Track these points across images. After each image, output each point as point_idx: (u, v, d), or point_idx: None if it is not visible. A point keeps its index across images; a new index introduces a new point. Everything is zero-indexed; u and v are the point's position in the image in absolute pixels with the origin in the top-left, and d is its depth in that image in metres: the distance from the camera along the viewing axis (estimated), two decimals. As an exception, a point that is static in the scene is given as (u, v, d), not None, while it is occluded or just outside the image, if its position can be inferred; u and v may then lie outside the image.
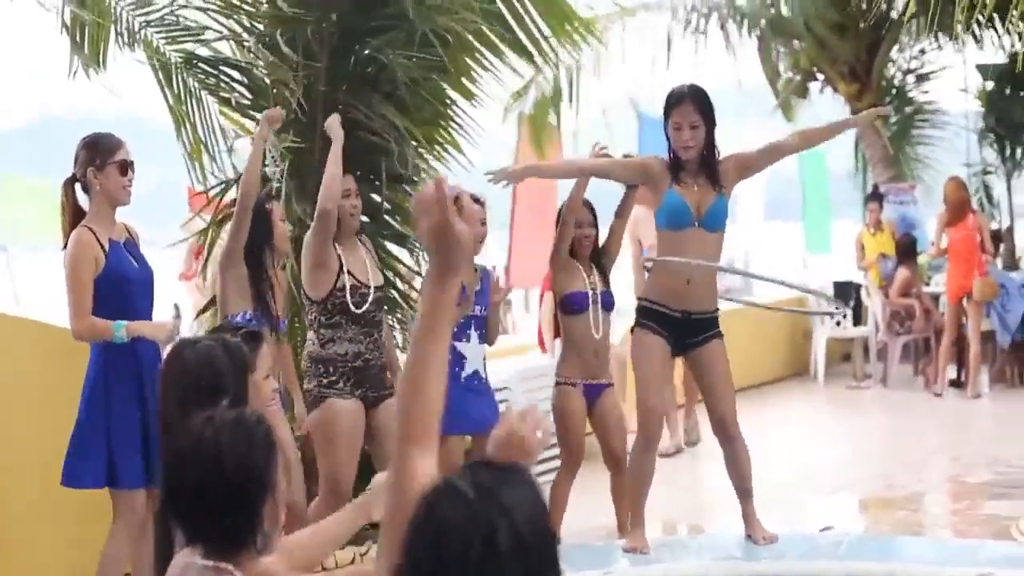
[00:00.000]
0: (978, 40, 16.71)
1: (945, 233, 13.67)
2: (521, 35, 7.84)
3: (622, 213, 7.37)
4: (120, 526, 5.95)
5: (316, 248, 6.55)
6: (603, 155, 6.82)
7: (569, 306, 7.11)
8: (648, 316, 6.37)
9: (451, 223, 2.60)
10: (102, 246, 5.91)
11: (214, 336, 4.18)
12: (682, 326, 6.33)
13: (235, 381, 3.83)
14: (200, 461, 3.08)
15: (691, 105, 6.28)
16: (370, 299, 6.72)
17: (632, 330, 6.58)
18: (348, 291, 6.63)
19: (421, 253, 7.60)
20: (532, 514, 2.23)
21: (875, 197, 15.71)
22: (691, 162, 6.33)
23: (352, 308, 6.64)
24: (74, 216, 6.01)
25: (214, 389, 3.78)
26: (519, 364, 9.93)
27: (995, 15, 13.17)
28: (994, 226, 16.58)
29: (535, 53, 7.95)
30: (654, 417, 6.41)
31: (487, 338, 7.22)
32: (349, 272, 6.67)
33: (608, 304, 7.19)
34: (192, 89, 7.47)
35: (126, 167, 6.00)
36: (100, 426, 5.88)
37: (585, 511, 7.65)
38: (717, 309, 6.44)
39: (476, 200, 7.14)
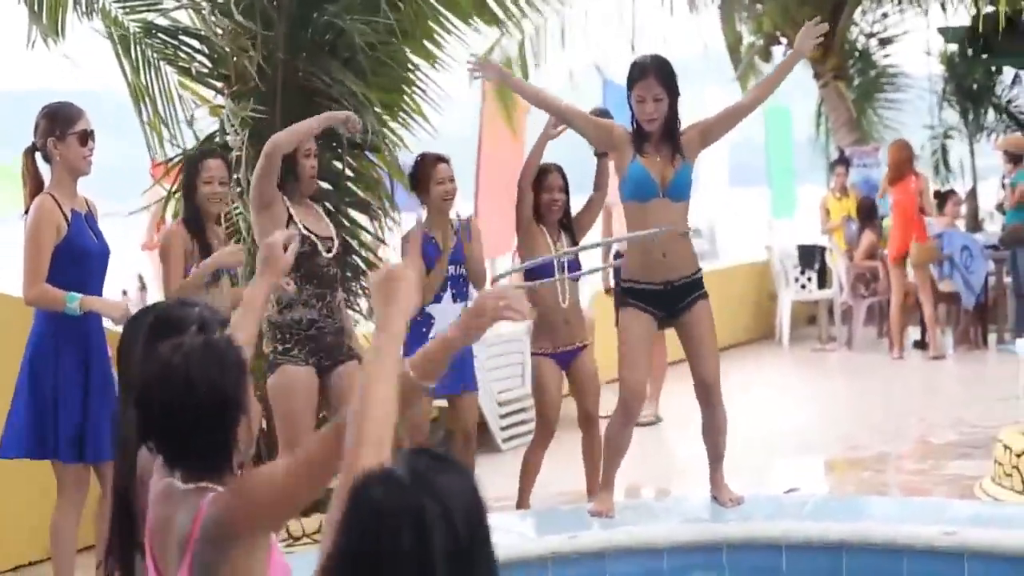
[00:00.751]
0: (942, 4, 16.76)
1: (888, 193, 13.74)
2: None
3: (600, 185, 7.37)
4: (63, 499, 5.94)
5: (257, 188, 6.45)
6: (558, 134, 6.87)
7: (534, 275, 7.08)
8: (632, 295, 6.37)
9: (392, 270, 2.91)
10: (65, 215, 5.87)
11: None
12: (667, 296, 6.33)
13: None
14: (171, 386, 3.07)
15: (654, 77, 6.25)
16: (320, 247, 6.66)
17: (618, 310, 6.57)
18: (316, 246, 6.59)
19: (383, 219, 7.56)
20: (466, 502, 2.24)
21: (842, 161, 15.76)
22: (654, 134, 6.31)
23: (306, 261, 6.55)
24: (35, 185, 5.96)
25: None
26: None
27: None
28: (958, 188, 16.67)
29: (500, 14, 7.90)
30: (636, 395, 6.41)
31: (477, 285, 7.24)
32: (298, 222, 6.59)
33: (575, 271, 7.20)
34: (151, 59, 7.40)
35: (86, 137, 5.95)
36: (44, 398, 5.85)
37: (554, 476, 7.67)
38: (699, 270, 6.43)
39: (442, 159, 7.16)
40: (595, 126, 6.50)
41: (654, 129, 6.30)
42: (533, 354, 7.33)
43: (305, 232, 6.54)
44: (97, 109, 7.33)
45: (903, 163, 13.57)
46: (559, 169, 7.29)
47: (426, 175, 7.11)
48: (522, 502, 7.24)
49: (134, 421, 3.60)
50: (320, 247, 6.62)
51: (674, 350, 6.68)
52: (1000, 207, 14.78)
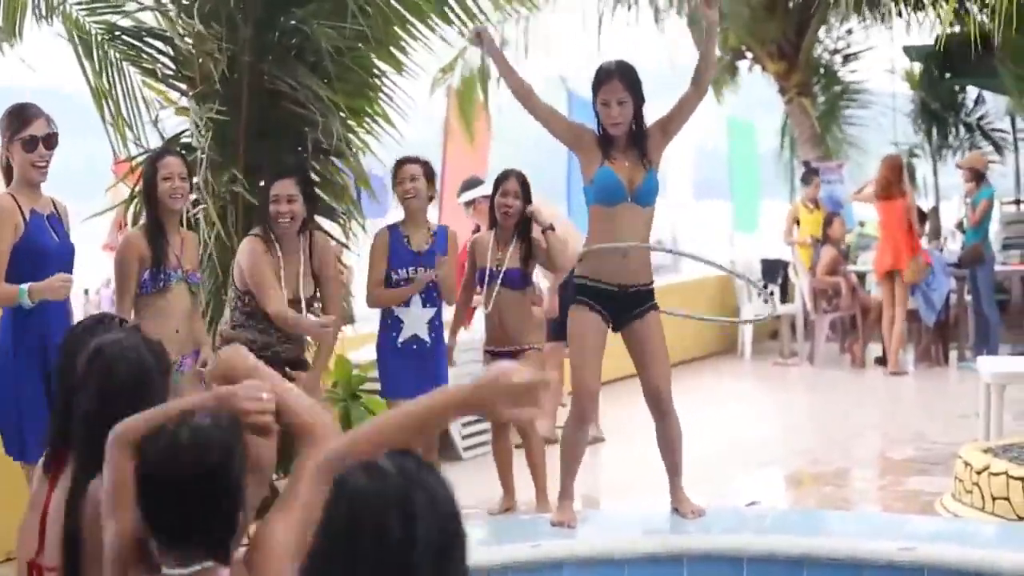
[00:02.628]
0: (904, 19, 16.84)
1: (875, 206, 13.75)
2: (452, 2, 7.76)
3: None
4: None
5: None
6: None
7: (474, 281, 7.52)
8: (584, 292, 6.34)
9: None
10: (23, 214, 5.80)
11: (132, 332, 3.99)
12: (618, 300, 6.30)
13: (161, 379, 3.69)
14: (180, 464, 2.96)
15: (618, 81, 6.25)
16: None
17: (570, 308, 6.56)
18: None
19: (349, 224, 7.53)
20: (446, 497, 2.25)
21: (815, 172, 15.60)
22: (620, 138, 6.31)
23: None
24: (5, 182, 5.90)
25: (142, 390, 3.63)
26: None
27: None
28: (921, 206, 16.72)
29: (464, 22, 7.88)
30: (588, 395, 6.39)
31: (444, 296, 7.25)
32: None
33: (514, 282, 7.38)
34: (113, 60, 7.34)
35: (36, 142, 5.81)
36: (9, 397, 5.79)
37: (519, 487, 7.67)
38: (652, 282, 6.42)
39: (409, 160, 7.19)
40: (567, 127, 6.50)
41: (619, 133, 6.30)
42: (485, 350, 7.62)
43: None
44: (61, 108, 7.28)
45: (896, 181, 13.59)
46: (519, 176, 7.35)
47: (394, 176, 7.18)
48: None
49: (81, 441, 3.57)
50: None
51: (625, 365, 6.64)
52: (960, 226, 14.85)
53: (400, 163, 7.24)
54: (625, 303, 6.32)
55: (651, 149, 6.34)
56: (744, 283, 14.59)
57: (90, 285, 20.12)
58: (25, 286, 5.69)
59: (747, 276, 6.87)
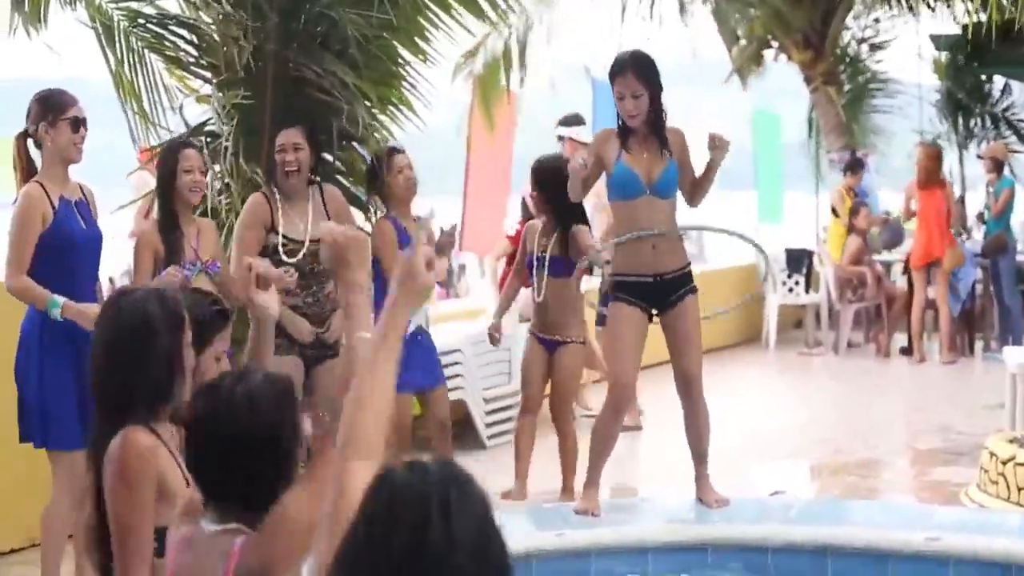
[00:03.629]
0: (932, 8, 16.74)
1: (915, 198, 13.67)
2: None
3: None
4: (59, 488, 5.86)
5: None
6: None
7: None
8: (622, 289, 6.35)
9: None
10: (52, 203, 5.82)
11: (153, 288, 4.08)
12: (657, 289, 6.31)
13: (168, 331, 3.73)
14: (231, 419, 3.06)
15: (632, 73, 6.22)
16: (303, 252, 6.65)
17: (609, 303, 6.55)
18: (277, 248, 6.60)
19: (374, 211, 7.52)
20: (485, 502, 2.25)
21: (857, 164, 15.44)
22: (638, 130, 6.29)
23: (285, 259, 6.57)
24: (27, 172, 5.91)
25: (143, 337, 3.69)
26: (471, 328, 9.88)
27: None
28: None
29: (488, 9, 7.86)
30: (625, 388, 6.41)
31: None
32: (278, 231, 6.64)
33: (557, 270, 7.33)
34: (136, 48, 7.33)
35: (78, 124, 5.89)
36: (32, 384, 5.80)
37: (536, 473, 7.66)
38: (688, 263, 6.42)
39: (397, 149, 7.20)
40: (596, 165, 6.42)
41: (637, 125, 6.29)
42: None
43: (284, 241, 6.62)
44: (84, 96, 7.28)
45: (935, 170, 13.52)
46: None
47: (383, 168, 7.12)
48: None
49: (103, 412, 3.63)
50: (302, 250, 6.64)
51: (657, 350, 6.64)
52: (981, 216, 14.76)
53: (390, 152, 7.17)
54: (663, 290, 6.32)
55: (671, 144, 6.33)
56: (764, 263, 14.57)
57: (115, 272, 20.23)
58: (60, 300, 5.70)
59: (755, 242, 6.84)
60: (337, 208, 6.84)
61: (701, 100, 19.07)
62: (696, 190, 6.47)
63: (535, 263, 7.51)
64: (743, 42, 18.31)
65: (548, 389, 7.74)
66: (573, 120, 10.25)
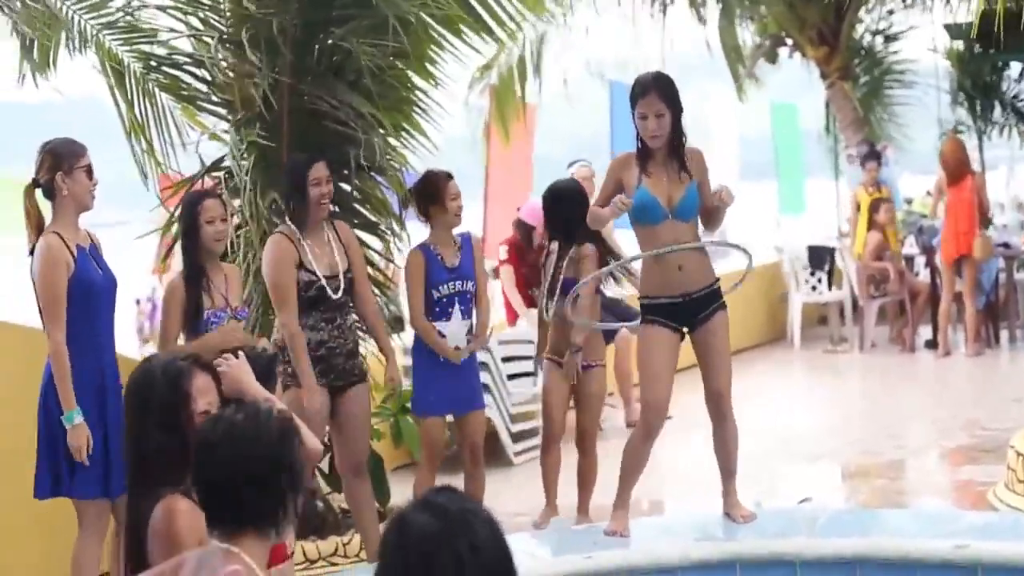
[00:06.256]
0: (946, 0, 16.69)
1: (945, 193, 13.62)
2: (483, 12, 7.76)
3: None
4: (85, 535, 5.95)
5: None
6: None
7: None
8: (651, 311, 6.36)
9: None
10: (71, 251, 5.89)
11: (172, 355, 4.29)
12: (686, 308, 6.33)
13: (168, 392, 3.95)
14: (235, 444, 3.24)
15: (656, 94, 6.24)
16: (328, 289, 6.72)
17: (640, 327, 6.57)
18: (304, 287, 6.65)
19: (392, 240, 7.58)
20: (499, 534, 2.38)
21: (873, 155, 15.33)
22: (659, 151, 6.31)
23: (332, 296, 6.67)
24: (37, 222, 5.97)
25: (143, 402, 3.92)
26: (496, 342, 9.89)
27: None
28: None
29: (497, 30, 7.89)
30: (659, 411, 6.40)
31: (477, 301, 7.29)
32: (305, 267, 6.68)
33: (568, 291, 7.25)
34: (149, 89, 7.38)
35: (92, 171, 5.98)
36: (55, 436, 5.87)
37: (562, 492, 7.69)
38: (717, 280, 6.43)
39: (450, 176, 7.21)
40: (615, 190, 6.45)
41: (659, 146, 6.29)
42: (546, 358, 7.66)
43: (312, 279, 6.63)
44: (102, 116, 7.35)
45: (962, 163, 13.48)
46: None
47: (440, 192, 7.16)
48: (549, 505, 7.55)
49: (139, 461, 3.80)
50: (328, 289, 6.69)
51: (684, 358, 6.68)
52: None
53: (445, 178, 7.17)
54: (692, 309, 6.34)
55: (691, 165, 6.34)
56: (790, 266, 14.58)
57: (140, 294, 20.42)
58: (77, 419, 5.77)
59: (739, 247, 6.83)
60: (347, 238, 6.92)
61: (719, 92, 18.97)
62: (709, 220, 6.49)
63: (546, 285, 7.54)
64: (756, 39, 18.31)
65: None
66: (579, 160, 10.49)
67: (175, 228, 7.31)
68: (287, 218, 6.75)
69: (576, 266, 7.42)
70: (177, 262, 6.87)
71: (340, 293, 6.74)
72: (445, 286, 7.18)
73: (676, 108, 6.27)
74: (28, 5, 6.95)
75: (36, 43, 7.28)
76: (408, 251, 7.35)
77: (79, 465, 5.84)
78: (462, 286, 7.26)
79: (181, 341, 6.38)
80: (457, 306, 7.22)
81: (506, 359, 10.01)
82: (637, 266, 6.64)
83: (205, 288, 6.38)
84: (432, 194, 7.17)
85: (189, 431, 3.83)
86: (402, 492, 8.02)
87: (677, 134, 6.30)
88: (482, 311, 7.37)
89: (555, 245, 7.63)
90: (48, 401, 5.90)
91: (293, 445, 3.27)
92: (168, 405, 3.94)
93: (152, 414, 3.93)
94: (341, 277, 6.75)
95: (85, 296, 5.89)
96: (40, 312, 5.91)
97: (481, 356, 9.33)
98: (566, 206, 7.51)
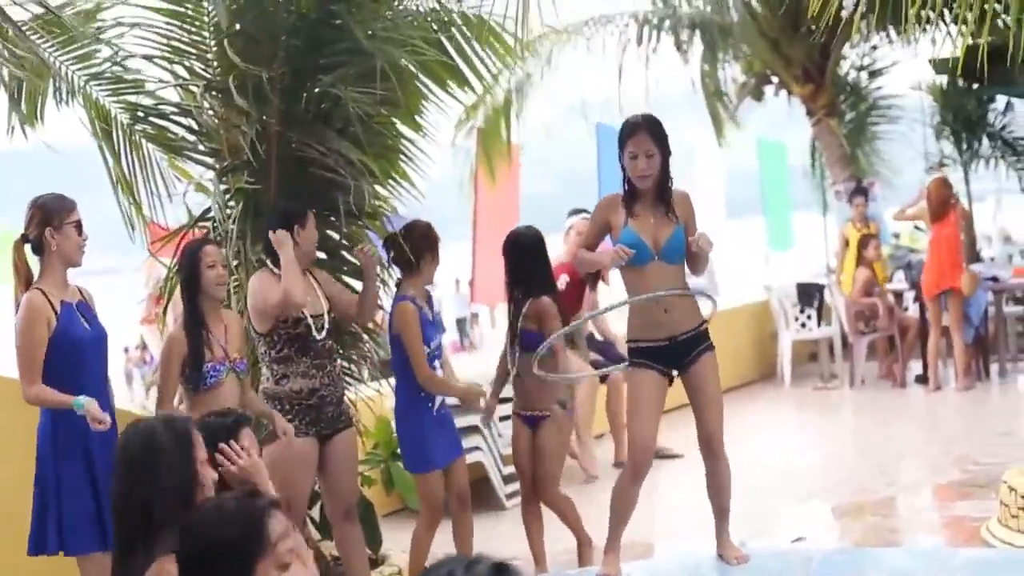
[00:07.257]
0: (926, 31, 16.75)
1: (930, 228, 13.72)
2: (460, 63, 7.76)
3: None
4: None
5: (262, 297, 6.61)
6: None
7: None
8: (637, 355, 6.38)
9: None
10: (54, 308, 5.87)
11: (162, 415, 4.35)
12: (672, 351, 6.34)
13: (179, 454, 3.95)
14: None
15: (646, 133, 6.28)
16: (325, 327, 6.72)
17: (628, 370, 6.56)
18: (292, 323, 6.64)
19: (381, 287, 7.57)
20: None
21: (860, 191, 15.46)
22: (647, 192, 6.33)
23: (316, 336, 6.66)
24: (26, 277, 5.97)
25: (151, 466, 3.90)
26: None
27: (945, 10, 13.19)
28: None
29: (475, 81, 7.89)
30: (646, 452, 6.40)
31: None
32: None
33: (528, 344, 7.20)
34: (136, 141, 7.38)
35: (81, 227, 5.97)
36: (47, 491, 5.86)
37: (557, 533, 7.67)
38: (703, 322, 6.44)
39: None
40: (602, 233, 6.49)
41: (647, 187, 6.33)
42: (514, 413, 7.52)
43: (299, 316, 6.62)
44: (94, 163, 7.35)
45: (946, 200, 13.61)
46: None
47: (436, 242, 7.16)
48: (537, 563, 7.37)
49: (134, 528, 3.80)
50: (313, 328, 6.68)
51: (675, 397, 6.67)
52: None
53: (435, 232, 7.18)
54: (679, 351, 6.36)
55: (677, 207, 6.37)
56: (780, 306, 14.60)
57: (129, 343, 20.40)
58: (83, 399, 5.72)
59: (704, 294, 6.83)
60: (324, 279, 6.96)
61: (703, 130, 19.03)
62: (693, 264, 6.51)
63: (508, 338, 7.37)
64: (742, 78, 18.38)
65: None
66: (581, 211, 10.45)
67: (172, 280, 7.30)
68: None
69: (538, 320, 7.25)
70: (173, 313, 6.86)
71: (324, 333, 6.73)
72: (432, 340, 7.16)
73: (665, 149, 6.32)
74: (18, 55, 6.96)
75: (23, 94, 7.29)
76: (394, 303, 7.22)
77: (67, 521, 5.81)
78: (441, 339, 7.28)
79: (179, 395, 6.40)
80: (435, 360, 7.21)
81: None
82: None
83: (205, 341, 6.38)
84: (431, 243, 7.17)
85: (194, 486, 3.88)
86: (394, 539, 8.00)
87: (665, 176, 6.34)
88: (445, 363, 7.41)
89: (517, 293, 7.39)
90: (43, 456, 5.88)
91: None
92: (184, 483, 3.94)
93: (163, 483, 3.92)
94: (325, 315, 6.76)
95: (70, 352, 5.87)
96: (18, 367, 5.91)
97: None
98: (526, 256, 7.37)
